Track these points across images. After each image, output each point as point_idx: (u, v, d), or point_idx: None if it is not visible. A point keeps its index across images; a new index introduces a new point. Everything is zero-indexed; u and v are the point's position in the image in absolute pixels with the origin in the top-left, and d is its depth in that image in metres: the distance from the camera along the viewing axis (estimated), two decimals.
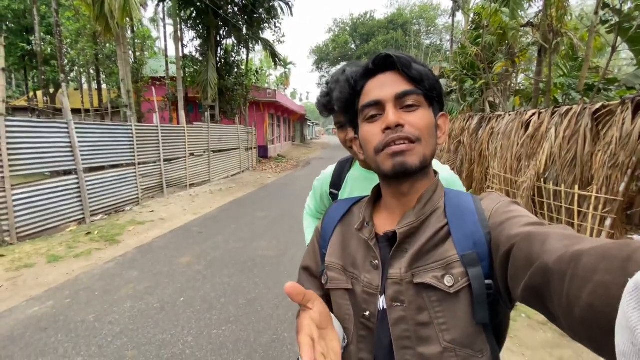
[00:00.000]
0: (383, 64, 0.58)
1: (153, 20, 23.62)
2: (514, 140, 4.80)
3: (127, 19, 7.63)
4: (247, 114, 14.42)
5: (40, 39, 11.01)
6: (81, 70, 14.86)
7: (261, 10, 13.71)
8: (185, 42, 12.98)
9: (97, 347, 2.32)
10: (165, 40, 14.59)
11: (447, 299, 0.51)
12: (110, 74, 12.46)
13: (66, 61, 12.20)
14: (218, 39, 12.93)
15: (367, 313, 0.57)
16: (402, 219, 0.58)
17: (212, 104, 11.85)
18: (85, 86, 15.47)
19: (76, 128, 5.08)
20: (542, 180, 4.05)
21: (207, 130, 9.59)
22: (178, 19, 11.04)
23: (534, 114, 4.49)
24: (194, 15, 12.37)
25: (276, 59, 15.20)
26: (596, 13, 4.76)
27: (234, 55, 13.90)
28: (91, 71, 14.15)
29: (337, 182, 1.08)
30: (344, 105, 0.65)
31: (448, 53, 16.69)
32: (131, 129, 6.38)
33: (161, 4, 13.36)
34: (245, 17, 13.38)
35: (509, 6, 6.30)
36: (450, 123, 7.80)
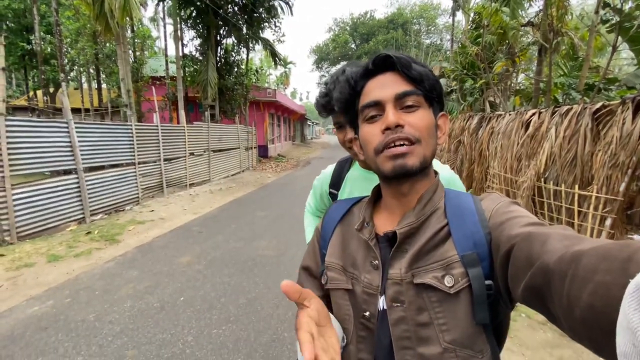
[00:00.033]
0: (383, 64, 0.58)
1: (153, 19, 23.61)
2: (514, 140, 4.79)
3: (127, 18, 7.62)
4: (247, 114, 14.42)
5: (40, 38, 11.00)
6: (81, 69, 14.86)
7: (261, 9, 13.70)
8: (185, 42, 12.99)
9: (97, 346, 2.32)
10: (165, 40, 14.60)
11: (447, 299, 0.51)
12: (110, 74, 12.45)
13: (66, 60, 12.20)
14: (218, 38, 12.93)
15: (367, 313, 0.57)
16: (402, 219, 0.58)
17: (212, 103, 11.84)
18: (85, 85, 15.47)
19: (76, 127, 5.08)
20: (542, 180, 4.05)
21: (207, 129, 9.59)
22: (178, 18, 11.04)
23: (534, 114, 4.48)
24: (194, 14, 12.36)
25: (276, 58, 15.19)
26: (597, 12, 4.76)
27: (234, 55, 13.90)
28: (91, 70, 14.15)
29: (336, 181, 1.08)
30: (344, 105, 0.65)
31: (448, 52, 16.68)
32: (131, 129, 6.38)
33: (161, 3, 13.36)
34: (245, 17, 13.37)
35: (510, 5, 6.29)
36: (450, 123, 7.80)
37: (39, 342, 2.36)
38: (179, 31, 11.24)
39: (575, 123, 3.66)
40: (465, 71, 8.64)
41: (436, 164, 0.87)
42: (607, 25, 4.99)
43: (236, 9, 13.12)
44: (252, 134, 13.66)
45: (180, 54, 11.33)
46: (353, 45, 38.31)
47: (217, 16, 11.90)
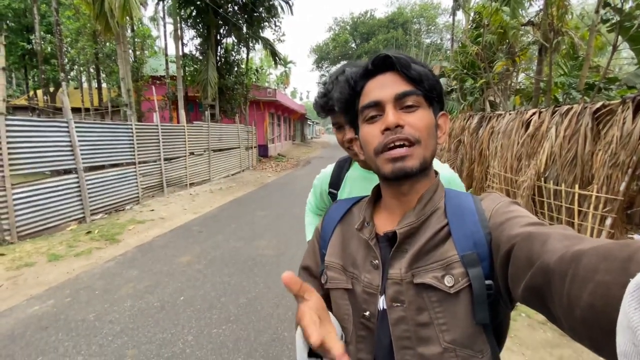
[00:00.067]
0: (382, 64, 0.58)
1: (153, 19, 23.57)
2: (514, 140, 4.79)
3: (127, 17, 7.61)
4: (247, 113, 14.41)
5: (40, 37, 11.00)
6: (81, 69, 14.85)
7: (261, 9, 13.69)
8: (185, 41, 12.98)
9: (97, 346, 2.32)
10: (165, 39, 14.58)
11: (447, 299, 0.51)
12: (110, 73, 12.45)
13: (66, 60, 12.19)
14: (218, 37, 12.92)
15: (367, 313, 0.57)
16: (402, 219, 0.58)
17: (212, 103, 11.84)
18: (85, 85, 15.46)
19: (76, 127, 5.08)
20: (543, 179, 4.05)
21: (207, 129, 9.59)
22: (178, 17, 11.03)
23: (534, 113, 4.48)
24: (194, 14, 12.35)
25: (276, 57, 15.18)
26: (597, 12, 4.75)
27: (234, 54, 13.89)
28: (91, 70, 14.15)
29: (336, 181, 1.08)
30: (343, 105, 0.65)
31: (448, 52, 16.67)
32: (131, 128, 6.38)
33: (161, 2, 13.35)
34: (246, 16, 13.36)
35: (510, 5, 6.28)
36: (451, 122, 7.79)
37: (39, 342, 2.36)
38: (179, 30, 11.23)
39: (576, 122, 3.66)
40: (465, 71, 8.64)
41: (436, 163, 0.87)
42: (608, 24, 4.99)
43: (236, 8, 13.11)
44: (252, 134, 13.66)
45: (180, 53, 11.32)
46: (353, 45, 38.29)
47: (217, 15, 11.89)
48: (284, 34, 15.82)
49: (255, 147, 14.13)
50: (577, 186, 3.56)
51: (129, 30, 11.71)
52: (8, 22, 13.74)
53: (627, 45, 5.13)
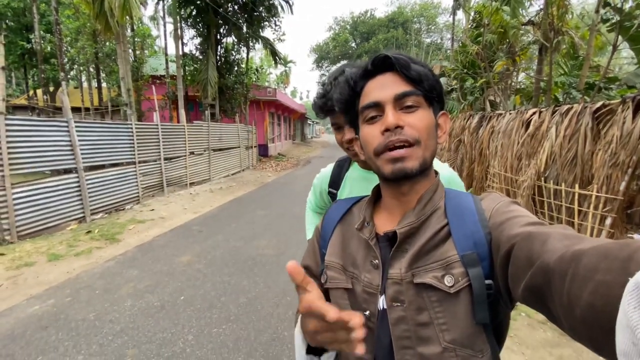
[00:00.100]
0: (382, 64, 0.58)
1: (153, 18, 23.53)
2: (514, 139, 4.79)
3: (127, 17, 7.60)
4: (247, 113, 14.41)
5: (40, 37, 10.98)
6: (81, 68, 14.84)
7: (261, 8, 13.68)
8: (185, 41, 12.97)
9: (97, 345, 2.32)
10: (165, 39, 14.57)
11: (447, 299, 0.51)
12: (110, 73, 12.44)
13: (66, 59, 12.18)
14: (218, 37, 12.91)
15: (367, 313, 0.57)
16: (402, 219, 0.58)
17: (212, 102, 11.84)
18: (85, 85, 15.46)
19: (76, 126, 5.08)
20: (543, 179, 4.05)
21: (207, 128, 9.59)
22: (178, 17, 11.02)
23: (534, 113, 4.48)
24: (194, 13, 12.35)
25: (276, 57, 15.16)
26: (597, 11, 4.75)
27: (234, 54, 13.88)
28: (91, 69, 14.14)
29: (336, 180, 1.08)
30: (344, 106, 0.65)
31: (449, 51, 16.66)
32: (131, 128, 6.38)
33: (161, 2, 13.34)
34: (246, 16, 13.35)
35: (510, 4, 6.27)
36: (451, 122, 7.74)
37: (39, 341, 2.36)
38: (179, 30, 11.23)
39: (576, 122, 3.66)
40: (465, 70, 8.63)
41: (435, 163, 0.87)
42: (608, 24, 4.99)
43: (236, 7, 13.10)
44: (252, 133, 13.66)
45: (180, 52, 11.32)
46: (353, 44, 38.26)
47: (217, 15, 11.88)
48: (284, 34, 15.84)
49: (255, 146, 14.13)
50: (577, 186, 3.56)
51: (129, 30, 11.70)
52: (7, 21, 13.73)
53: (627, 45, 5.13)
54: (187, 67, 12.50)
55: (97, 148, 5.58)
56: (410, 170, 0.55)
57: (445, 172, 0.91)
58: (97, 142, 5.58)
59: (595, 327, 0.31)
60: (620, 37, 4.52)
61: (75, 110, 9.35)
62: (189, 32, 13.38)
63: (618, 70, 9.02)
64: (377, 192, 0.68)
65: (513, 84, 8.66)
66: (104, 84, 14.01)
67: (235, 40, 13.77)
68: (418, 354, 0.52)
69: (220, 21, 12.35)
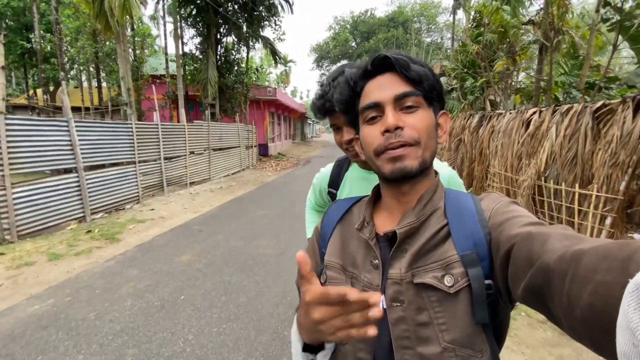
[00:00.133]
0: (382, 65, 0.58)
1: (153, 17, 23.50)
2: (514, 139, 4.79)
3: (127, 16, 7.60)
4: (247, 112, 14.41)
5: (40, 36, 10.98)
6: (81, 68, 14.84)
7: (261, 7, 13.67)
8: (185, 40, 12.96)
9: (97, 345, 2.33)
10: (165, 38, 14.59)
11: (446, 299, 0.51)
12: (110, 72, 12.44)
13: (66, 59, 12.18)
14: (218, 36, 12.90)
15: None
16: (402, 219, 0.58)
17: (212, 102, 11.83)
18: (85, 84, 15.44)
19: (76, 126, 5.08)
20: (543, 178, 4.05)
21: (207, 128, 9.59)
22: (178, 16, 11.01)
23: (534, 113, 4.48)
24: (194, 12, 12.34)
25: (276, 56, 15.16)
26: (597, 11, 4.74)
27: (234, 53, 13.88)
28: (91, 69, 14.13)
29: (335, 180, 1.09)
30: (344, 106, 0.65)
31: (449, 51, 16.65)
32: (131, 127, 6.38)
33: (161, 1, 13.31)
34: (246, 15, 13.34)
35: (510, 4, 6.27)
36: (451, 121, 7.77)
37: (39, 341, 2.36)
38: (179, 29, 11.22)
39: (576, 122, 3.66)
40: (465, 70, 8.63)
41: (434, 162, 0.87)
42: (608, 24, 4.98)
43: (236, 7, 13.09)
44: (253, 133, 13.66)
45: (181, 52, 11.31)
46: (353, 44, 38.23)
47: (217, 14, 11.87)
48: (284, 33, 15.84)
49: (255, 146, 14.12)
50: (577, 185, 3.56)
51: (129, 29, 11.70)
52: (7, 20, 13.73)
53: (628, 45, 5.12)
54: (187, 67, 12.50)
55: (97, 148, 5.58)
56: (410, 170, 0.55)
57: (444, 171, 0.92)
58: (97, 142, 5.58)
59: (595, 327, 0.31)
60: (620, 37, 4.52)
61: (75, 109, 9.35)
62: (189, 32, 13.40)
63: (618, 70, 9.01)
64: (377, 192, 0.68)
65: (513, 83, 8.65)
66: (104, 84, 14.01)
67: (235, 39, 13.77)
68: (418, 354, 0.52)
69: (220, 20, 12.34)
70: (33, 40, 12.38)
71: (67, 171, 5.23)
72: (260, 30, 14.45)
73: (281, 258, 3.94)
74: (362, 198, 0.72)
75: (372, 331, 0.38)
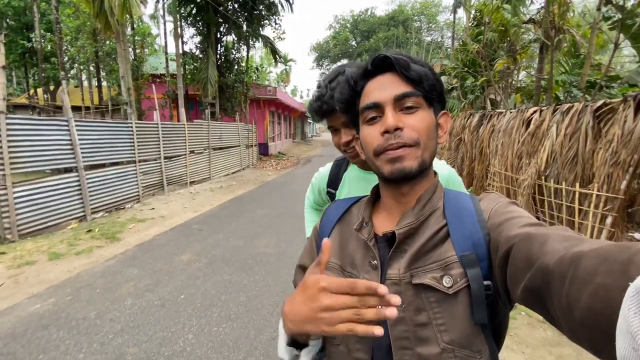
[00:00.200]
0: (382, 64, 0.58)
1: (153, 17, 23.50)
2: (515, 138, 4.78)
3: (127, 16, 7.60)
4: (247, 112, 14.40)
5: (40, 36, 10.99)
6: (81, 67, 14.85)
7: (261, 6, 13.65)
8: (185, 39, 12.95)
9: (98, 344, 2.33)
10: (165, 37, 14.66)
11: (445, 299, 0.51)
12: (110, 71, 12.44)
13: (66, 58, 12.19)
14: (218, 36, 12.89)
15: None
16: (401, 219, 0.58)
17: (212, 101, 11.83)
18: (85, 83, 15.45)
19: (76, 125, 5.08)
20: (543, 178, 4.04)
21: (207, 127, 9.59)
22: (178, 15, 11.00)
23: (535, 112, 4.47)
24: (194, 12, 12.32)
25: (276, 56, 15.14)
26: (599, 9, 4.72)
27: (234, 53, 13.86)
28: (91, 68, 14.14)
29: (334, 180, 1.09)
30: (344, 105, 0.65)
31: (449, 50, 16.62)
32: (131, 127, 6.38)
33: (161, 0, 13.31)
34: (245, 14, 13.32)
35: (511, 3, 6.25)
36: (451, 121, 7.77)
37: (40, 340, 2.37)
38: (179, 29, 11.21)
39: (577, 121, 3.65)
40: (466, 69, 8.61)
41: (434, 162, 0.87)
42: (609, 22, 4.96)
43: (236, 6, 13.08)
44: (253, 132, 13.65)
45: (181, 51, 11.30)
46: (354, 43, 38.17)
47: (217, 13, 11.86)
48: (284, 32, 15.83)
49: (255, 145, 14.12)
50: (577, 185, 3.55)
51: (129, 29, 11.71)
52: (8, 20, 13.73)
53: (629, 43, 5.10)
54: (187, 66, 12.50)
55: (98, 147, 5.58)
56: (409, 171, 0.55)
57: (443, 170, 0.92)
58: (98, 141, 5.58)
59: (594, 329, 0.31)
60: (621, 35, 4.50)
61: (76, 109, 9.36)
62: (189, 31, 13.39)
63: (619, 69, 8.99)
64: (376, 192, 0.67)
65: (514, 82, 8.63)
66: (104, 83, 14.01)
67: (235, 38, 13.75)
68: (417, 355, 0.52)
69: (220, 20, 12.32)
70: (33, 39, 12.39)
71: (67, 170, 5.24)
72: (261, 29, 14.43)
73: (281, 257, 3.94)
74: (361, 198, 0.72)
75: (378, 331, 0.39)
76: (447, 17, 30.99)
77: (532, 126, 4.41)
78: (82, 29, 11.61)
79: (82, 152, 5.15)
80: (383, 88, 0.57)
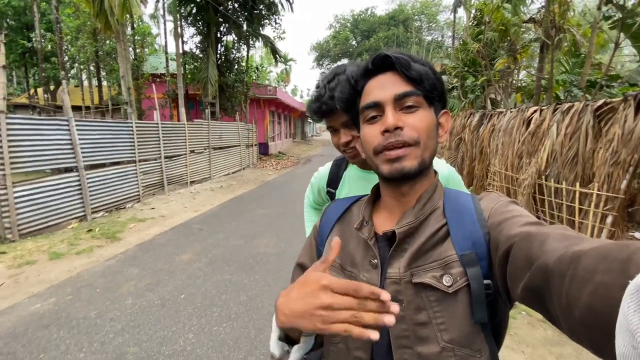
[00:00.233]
0: (382, 64, 0.58)
1: (153, 16, 23.49)
2: (515, 137, 4.78)
3: (127, 15, 7.59)
4: (247, 111, 14.40)
5: (40, 36, 11.00)
6: (81, 67, 14.86)
7: (261, 6, 13.64)
8: (185, 39, 12.95)
9: (99, 343, 2.33)
10: (166, 37, 14.65)
11: (445, 298, 0.51)
12: (110, 71, 12.45)
13: (66, 58, 12.19)
14: (218, 35, 12.88)
15: None
16: (401, 218, 0.58)
17: (212, 101, 11.83)
18: (85, 83, 15.46)
19: (77, 125, 5.08)
20: (543, 177, 4.04)
21: (207, 127, 9.59)
22: (178, 15, 11.00)
23: (535, 111, 4.46)
24: (194, 11, 12.32)
25: (276, 55, 15.13)
26: (599, 9, 4.72)
27: (234, 52, 13.86)
28: (91, 68, 14.14)
29: (334, 179, 1.09)
30: (345, 104, 0.65)
31: (449, 49, 16.60)
32: (132, 126, 6.38)
33: (161, 0, 13.31)
34: (246, 14, 13.32)
35: (511, 2, 6.24)
36: (452, 120, 7.76)
37: (40, 340, 2.37)
38: (179, 28, 11.21)
39: (577, 120, 3.65)
40: (466, 68, 8.61)
41: (433, 161, 0.87)
42: (610, 21, 4.96)
43: (236, 5, 13.07)
44: (253, 132, 13.65)
45: (181, 51, 11.29)
46: (354, 42, 38.13)
47: (217, 13, 11.85)
48: (284, 32, 15.83)
49: (255, 145, 14.12)
50: (578, 184, 3.55)
51: (129, 28, 11.71)
52: (8, 20, 13.74)
53: (629, 43, 5.10)
54: (187, 66, 12.49)
55: (98, 147, 5.58)
56: (409, 170, 0.55)
57: (443, 168, 0.92)
58: (98, 141, 5.58)
59: (594, 328, 0.31)
60: (622, 35, 4.50)
61: (76, 108, 9.36)
62: (189, 30, 13.37)
63: (620, 68, 8.98)
64: (376, 191, 0.67)
65: (514, 81, 8.63)
66: (104, 83, 14.02)
67: (236, 38, 13.75)
68: (416, 354, 0.52)
69: (220, 19, 12.32)
70: (34, 39, 12.40)
71: (67, 170, 5.24)
72: (261, 28, 14.42)
73: (281, 257, 3.94)
74: (361, 197, 0.72)
75: (374, 335, 0.39)
76: (448, 17, 30.96)
77: (532, 126, 4.41)
78: (82, 28, 11.62)
79: (82, 152, 5.15)
80: (383, 87, 0.57)
